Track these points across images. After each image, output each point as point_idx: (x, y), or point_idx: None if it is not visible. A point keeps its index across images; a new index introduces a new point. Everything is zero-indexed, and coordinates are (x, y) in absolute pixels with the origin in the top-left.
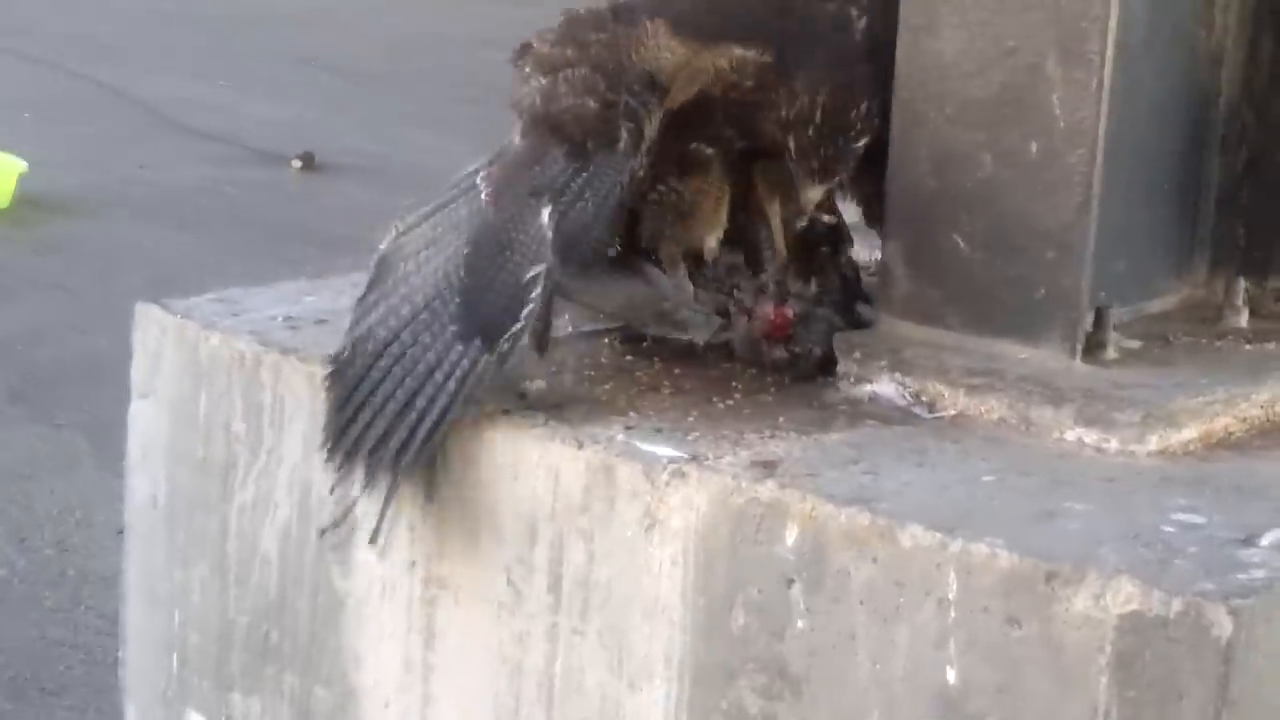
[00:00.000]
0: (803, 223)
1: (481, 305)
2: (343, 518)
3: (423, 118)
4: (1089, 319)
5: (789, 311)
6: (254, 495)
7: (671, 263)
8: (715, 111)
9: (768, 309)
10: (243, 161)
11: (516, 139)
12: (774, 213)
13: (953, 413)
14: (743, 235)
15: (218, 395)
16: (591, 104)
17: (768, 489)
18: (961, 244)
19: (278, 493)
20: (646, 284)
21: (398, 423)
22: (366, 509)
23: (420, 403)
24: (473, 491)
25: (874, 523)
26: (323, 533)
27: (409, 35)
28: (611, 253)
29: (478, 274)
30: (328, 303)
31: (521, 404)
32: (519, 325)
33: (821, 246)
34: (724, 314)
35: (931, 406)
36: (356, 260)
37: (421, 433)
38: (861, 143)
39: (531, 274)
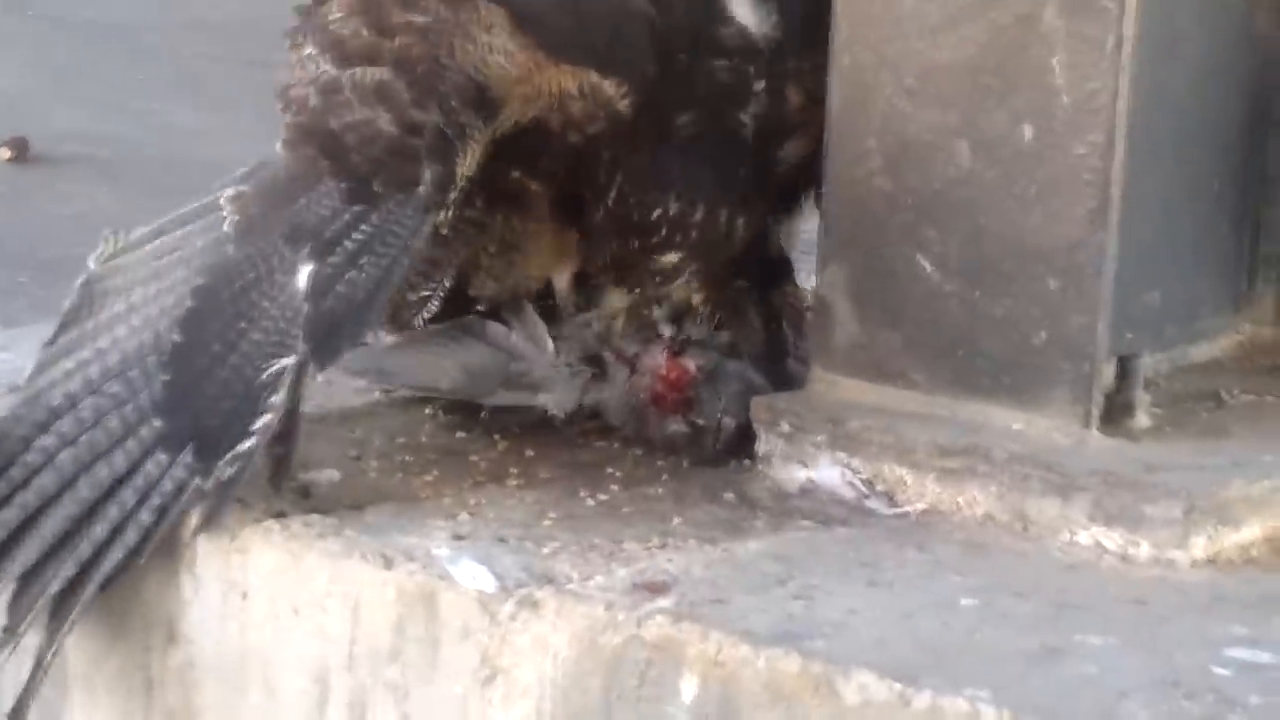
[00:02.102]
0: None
1: (197, 396)
2: None
3: (188, 88)
4: (1109, 373)
5: (689, 365)
6: None
7: (491, 303)
8: (549, 143)
9: (658, 361)
10: None
11: (281, 151)
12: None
13: (920, 507)
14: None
15: None
16: (386, 124)
17: (655, 624)
18: (928, 269)
19: None
20: (488, 346)
21: (61, 548)
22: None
23: (98, 529)
24: (231, 632)
25: (805, 669)
26: None
27: None
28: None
29: (197, 345)
30: (28, 360)
31: (303, 503)
32: (248, 444)
33: (739, 279)
34: (595, 366)
35: (890, 499)
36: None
37: (95, 577)
38: (669, 258)
39: (273, 369)
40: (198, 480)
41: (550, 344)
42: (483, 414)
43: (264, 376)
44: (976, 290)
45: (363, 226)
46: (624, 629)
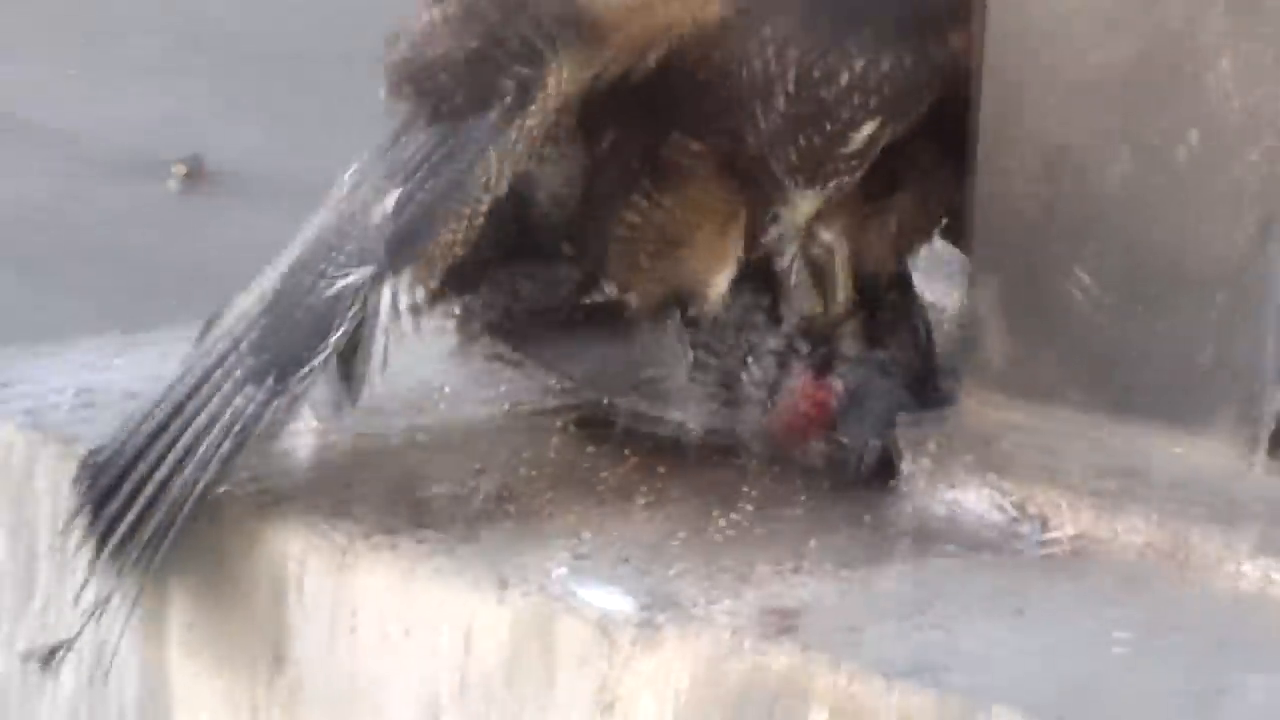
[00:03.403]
0: (789, 251)
1: (286, 329)
2: (68, 644)
3: (351, 114)
4: (1278, 397)
5: (834, 386)
6: (30, 664)
7: (654, 312)
8: (701, 93)
9: (801, 382)
10: (99, 173)
11: (385, 100)
12: (835, 241)
13: (1071, 534)
14: (765, 272)
15: None
16: (471, 40)
17: (784, 654)
18: (1085, 284)
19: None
20: (626, 342)
21: (159, 498)
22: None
23: (189, 472)
24: (340, 654)
25: (942, 705)
26: (45, 659)
27: (334, 1)
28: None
29: (293, 286)
30: (146, 368)
31: (415, 519)
32: (322, 353)
33: (887, 291)
34: (732, 387)
35: (1041, 525)
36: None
37: (185, 510)
38: (864, 130)
39: (347, 282)
40: (276, 402)
41: (690, 354)
42: (614, 428)
43: (341, 289)
44: (1136, 307)
45: (444, 145)
46: (749, 657)
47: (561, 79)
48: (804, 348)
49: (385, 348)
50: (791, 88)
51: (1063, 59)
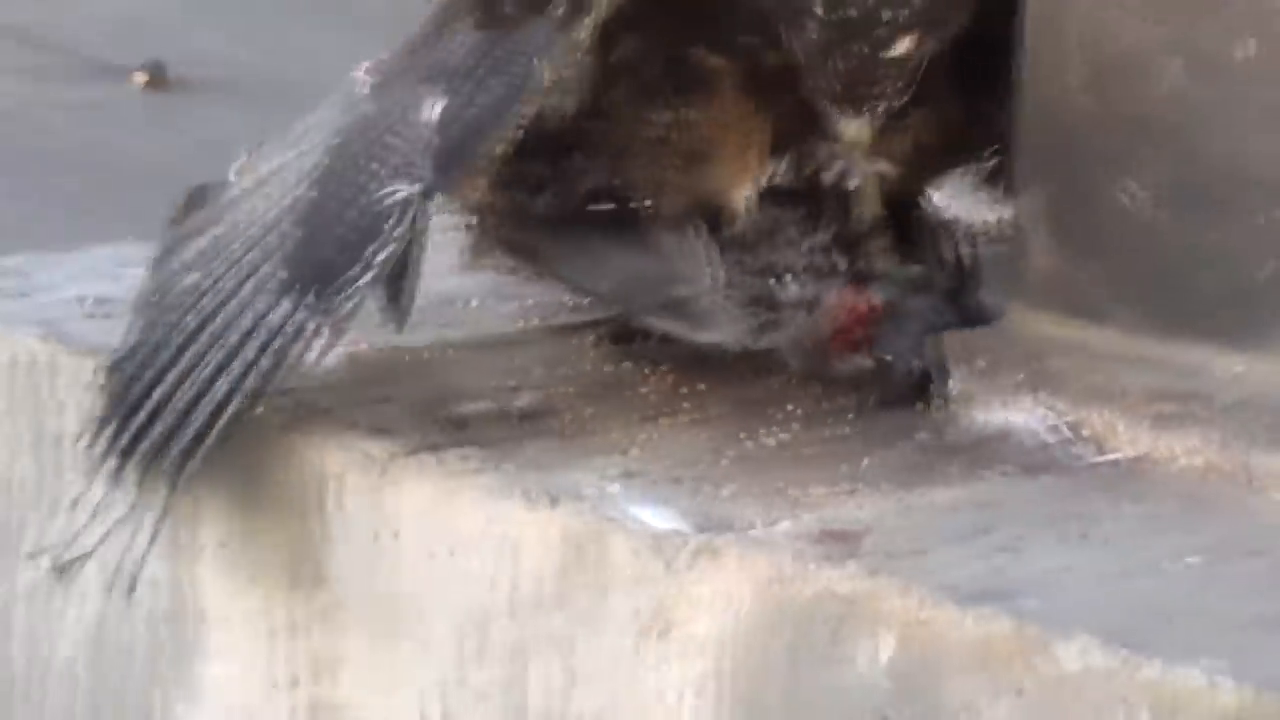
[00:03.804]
0: (835, 173)
1: (323, 241)
2: (80, 554)
3: (320, 10)
4: None
5: (871, 301)
6: (49, 574)
7: (681, 225)
8: (724, 7)
9: (839, 296)
10: (64, 75)
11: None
12: (856, 146)
13: (1131, 455)
14: (797, 180)
15: None
16: None
17: (849, 575)
18: (1136, 195)
19: (86, 570)
20: (654, 256)
21: (190, 413)
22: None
23: (220, 387)
24: (382, 572)
25: (1019, 631)
26: (64, 568)
27: None
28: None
29: (329, 196)
30: None
31: (458, 435)
32: (368, 273)
33: (911, 209)
34: (767, 305)
35: (1098, 446)
36: None
37: (219, 424)
38: (904, 44)
39: (395, 195)
40: (316, 320)
41: (721, 271)
42: (644, 342)
43: (385, 205)
44: (1190, 219)
45: (494, 52)
46: (814, 581)
47: None
48: (841, 263)
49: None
50: (820, 8)
51: None
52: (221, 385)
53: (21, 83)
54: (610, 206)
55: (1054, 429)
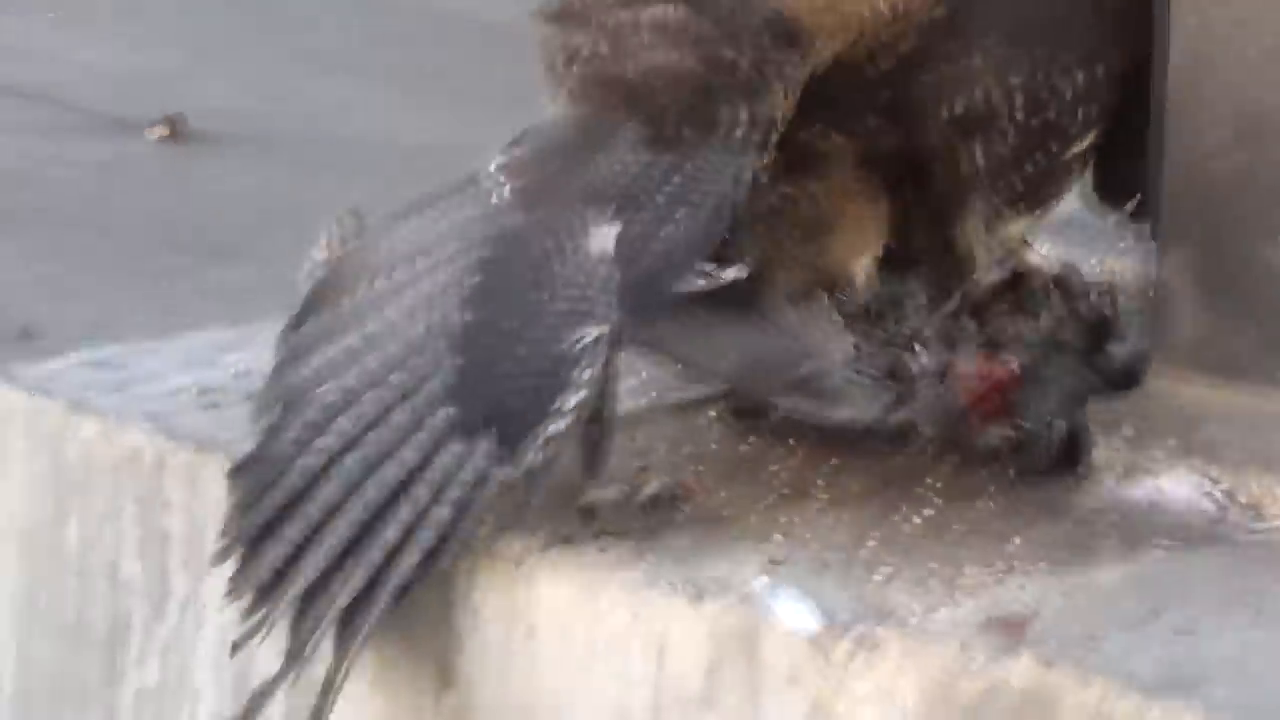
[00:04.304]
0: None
1: (494, 378)
2: (259, 702)
3: (340, 63)
4: None
5: (1008, 366)
6: (159, 676)
7: (801, 299)
8: (854, 85)
9: (973, 364)
10: (76, 130)
11: (559, 110)
12: (978, 234)
13: None
14: (910, 250)
15: (97, 519)
16: (693, 63)
17: (1022, 668)
18: None
19: (198, 672)
20: (776, 332)
21: (347, 558)
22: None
23: (389, 532)
24: (516, 674)
25: None
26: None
27: None
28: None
29: (490, 323)
30: (265, 363)
31: (588, 525)
32: (560, 424)
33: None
34: (899, 376)
35: (1258, 514)
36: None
37: (388, 585)
38: (1082, 145)
39: (582, 339)
40: (503, 469)
41: (849, 344)
42: (768, 418)
43: (570, 349)
44: None
45: (674, 178)
46: (985, 674)
47: (790, 97)
48: (971, 328)
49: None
50: (1020, 115)
51: (1260, 10)
52: (391, 533)
53: (32, 140)
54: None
55: (1210, 497)
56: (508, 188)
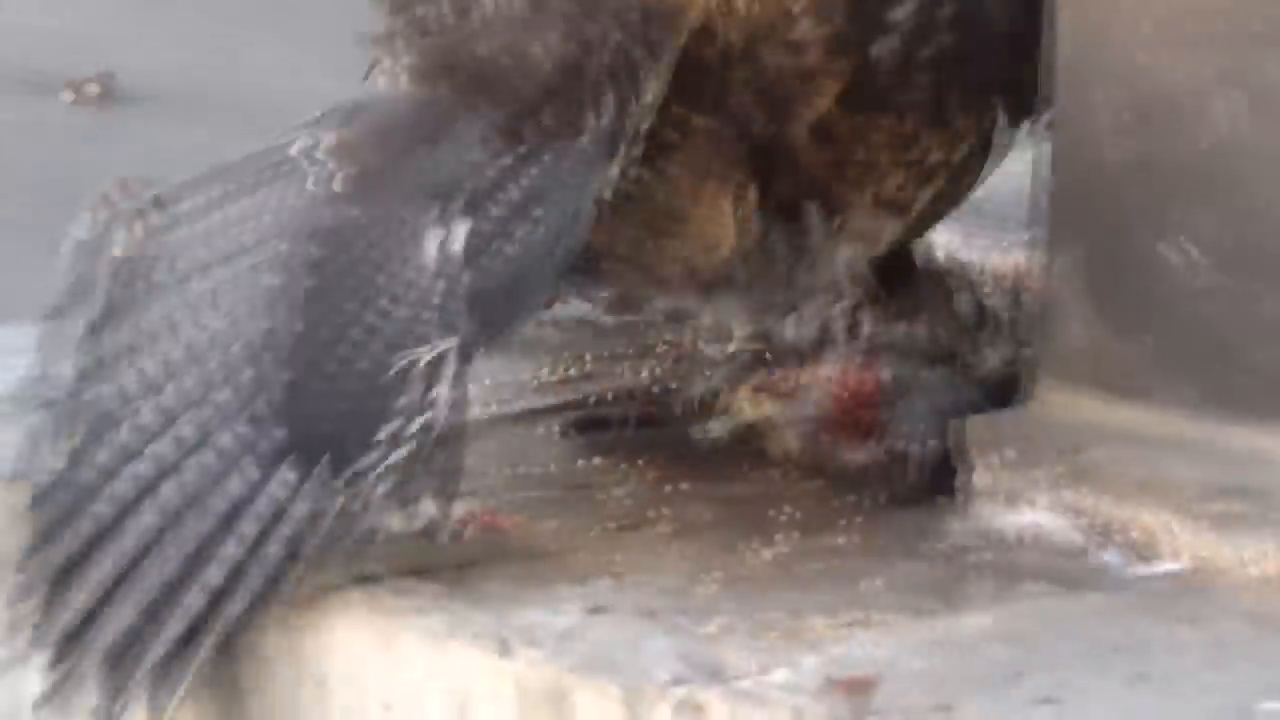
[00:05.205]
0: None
1: (330, 397)
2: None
3: (272, 21)
4: None
5: (878, 376)
6: None
7: (637, 305)
8: (717, 62)
9: (839, 372)
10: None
11: (397, 85)
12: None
13: (1188, 565)
14: (779, 241)
15: None
16: (554, 43)
17: None
18: (1190, 257)
19: None
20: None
21: (170, 603)
22: None
23: (212, 573)
24: None
25: None
26: None
27: None
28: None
29: (325, 334)
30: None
31: (389, 563)
32: (402, 451)
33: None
34: (756, 379)
35: (1148, 554)
36: None
37: (211, 633)
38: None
39: (429, 356)
40: (340, 501)
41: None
42: (618, 430)
43: (414, 365)
44: (1250, 285)
45: (532, 172)
46: None
47: (657, 85)
48: (838, 331)
49: None
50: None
51: None
52: (213, 574)
53: None
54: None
55: (1095, 533)
56: (339, 175)
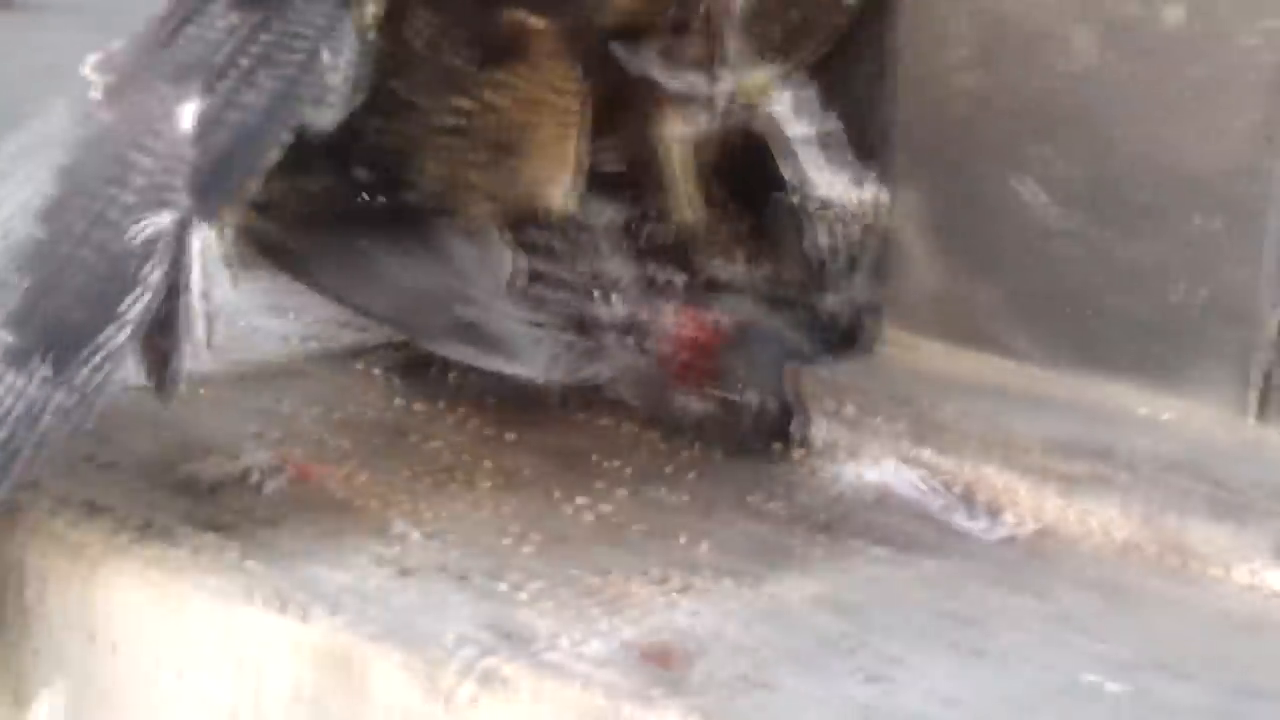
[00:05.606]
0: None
1: (56, 293)
2: None
3: None
4: None
5: (714, 321)
6: None
7: (484, 231)
8: None
9: (673, 318)
10: None
11: None
12: (672, 132)
13: (1034, 529)
14: (623, 174)
15: None
16: None
17: (665, 716)
18: (1037, 198)
19: None
20: (443, 268)
21: None
22: None
23: None
24: (95, 691)
25: None
26: None
27: None
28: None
29: (60, 234)
30: None
31: (190, 511)
32: (119, 335)
33: (772, 191)
34: (584, 328)
35: (993, 516)
36: None
37: None
38: None
39: (145, 233)
40: (58, 396)
41: (521, 278)
42: (445, 373)
43: (134, 244)
44: (1103, 228)
45: (261, 37)
46: None
47: None
48: (673, 275)
49: (204, 314)
50: None
51: None
52: None
53: None
54: (386, 202)
55: (938, 493)
56: (97, 85)
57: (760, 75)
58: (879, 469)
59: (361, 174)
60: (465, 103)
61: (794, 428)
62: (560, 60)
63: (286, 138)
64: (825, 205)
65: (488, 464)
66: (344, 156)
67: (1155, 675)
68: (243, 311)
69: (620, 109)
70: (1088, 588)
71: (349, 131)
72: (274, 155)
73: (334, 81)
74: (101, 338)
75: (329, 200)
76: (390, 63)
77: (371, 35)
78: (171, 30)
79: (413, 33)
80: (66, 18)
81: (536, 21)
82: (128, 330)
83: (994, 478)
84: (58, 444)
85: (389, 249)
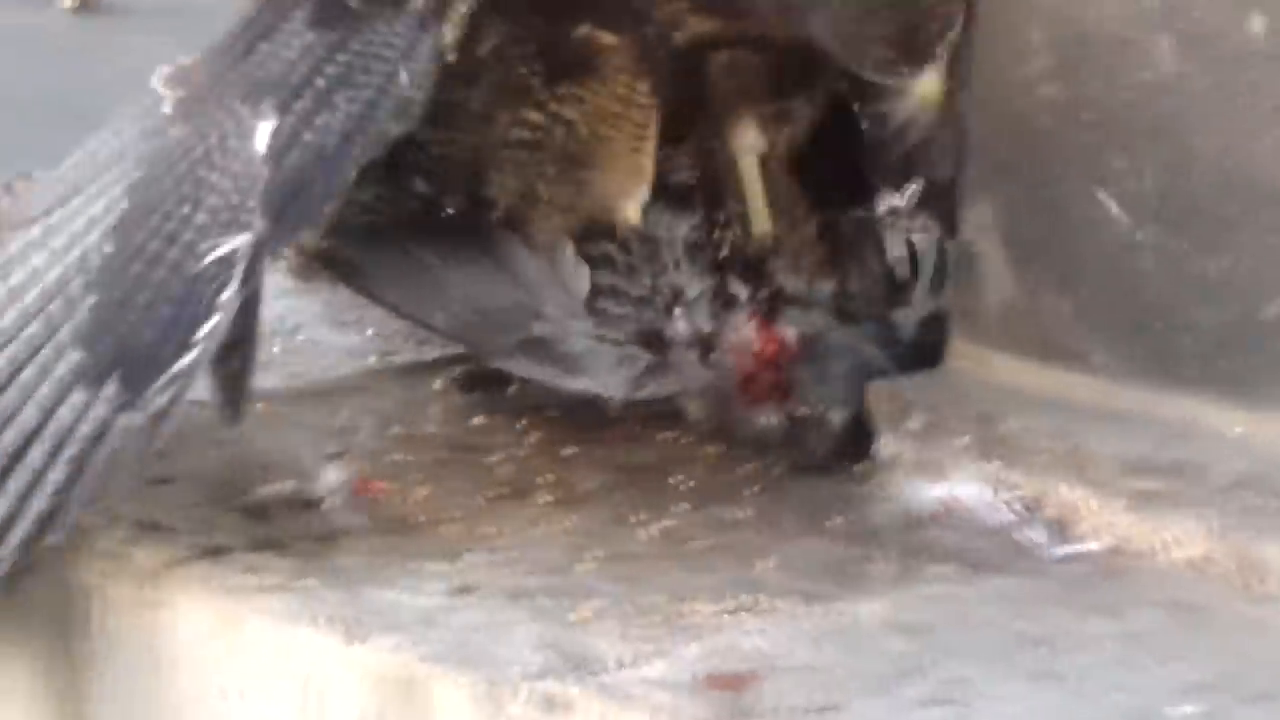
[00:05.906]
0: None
1: (127, 312)
2: None
3: None
4: None
5: (786, 336)
6: None
7: (553, 245)
8: None
9: (746, 332)
10: None
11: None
12: (744, 143)
13: (1105, 545)
14: (693, 186)
15: None
16: None
17: None
18: (1114, 210)
19: None
20: (509, 283)
21: None
22: None
23: (8, 493)
24: (157, 712)
25: None
26: None
27: None
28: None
29: (132, 251)
30: None
31: (250, 531)
32: (188, 358)
33: (846, 211)
34: (652, 342)
35: (1061, 531)
36: None
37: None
38: None
39: (218, 254)
40: (125, 416)
41: (592, 301)
42: (508, 389)
43: (207, 266)
44: (1182, 241)
45: (338, 57)
46: None
47: None
48: (743, 289)
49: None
50: None
51: None
52: (8, 496)
53: None
54: (453, 215)
55: (1008, 509)
56: (169, 100)
57: (933, 79)
58: (946, 484)
59: (420, 185)
60: (535, 116)
61: (863, 446)
62: (630, 74)
63: (363, 160)
64: (894, 214)
65: (549, 478)
66: (397, 167)
67: (1228, 697)
68: (303, 325)
69: (691, 120)
70: (1160, 606)
71: (406, 142)
72: (350, 178)
73: (411, 104)
74: (172, 359)
75: (385, 211)
76: (458, 76)
77: (451, 57)
78: (245, 47)
79: (482, 47)
80: (153, 21)
81: (608, 38)
82: (199, 352)
83: (1065, 493)
84: (126, 465)
85: (453, 263)
